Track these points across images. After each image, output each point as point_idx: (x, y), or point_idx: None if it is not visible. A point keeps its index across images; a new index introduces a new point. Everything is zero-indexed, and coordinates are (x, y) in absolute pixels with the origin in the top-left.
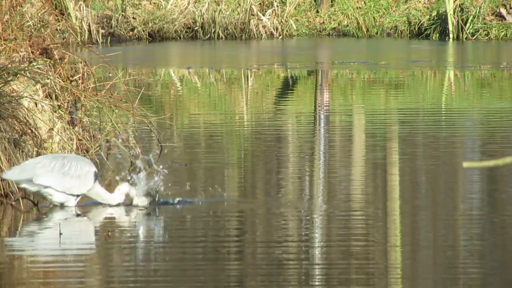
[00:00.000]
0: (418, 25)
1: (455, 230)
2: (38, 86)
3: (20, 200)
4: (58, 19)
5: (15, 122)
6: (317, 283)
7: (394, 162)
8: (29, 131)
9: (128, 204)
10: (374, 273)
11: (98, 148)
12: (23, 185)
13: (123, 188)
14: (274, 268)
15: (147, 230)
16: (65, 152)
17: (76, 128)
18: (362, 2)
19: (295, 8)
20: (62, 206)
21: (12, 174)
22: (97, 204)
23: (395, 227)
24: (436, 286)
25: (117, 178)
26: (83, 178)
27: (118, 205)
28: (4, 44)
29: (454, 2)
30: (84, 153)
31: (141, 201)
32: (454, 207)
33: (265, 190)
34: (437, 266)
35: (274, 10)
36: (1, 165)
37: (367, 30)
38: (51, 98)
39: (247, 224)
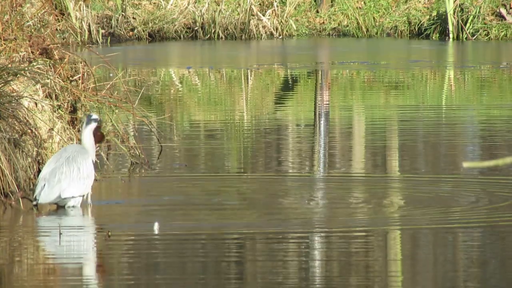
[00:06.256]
0: (418, 25)
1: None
2: (38, 86)
3: (20, 200)
4: (58, 19)
5: (15, 122)
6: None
7: (394, 159)
8: (29, 131)
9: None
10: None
11: (98, 148)
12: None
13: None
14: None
15: (149, 227)
16: None
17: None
18: (362, 2)
19: (295, 8)
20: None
21: (46, 197)
22: (97, 204)
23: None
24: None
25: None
26: (90, 175)
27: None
28: (4, 44)
29: (454, 2)
30: None
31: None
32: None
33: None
34: (436, 279)
35: (274, 10)
36: (1, 165)
37: (367, 30)
38: (51, 98)
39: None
